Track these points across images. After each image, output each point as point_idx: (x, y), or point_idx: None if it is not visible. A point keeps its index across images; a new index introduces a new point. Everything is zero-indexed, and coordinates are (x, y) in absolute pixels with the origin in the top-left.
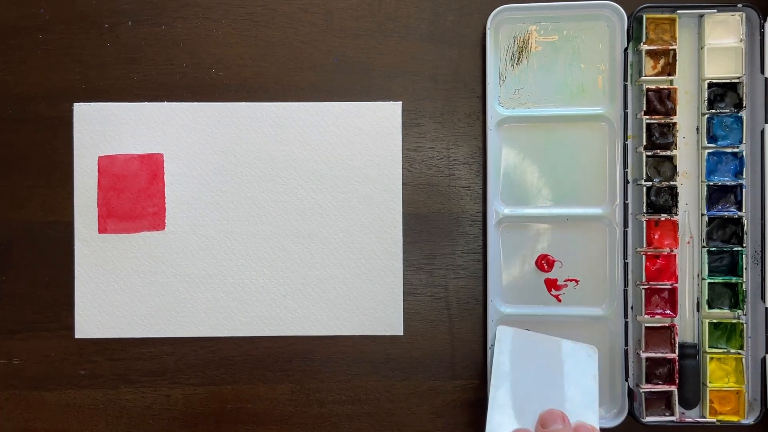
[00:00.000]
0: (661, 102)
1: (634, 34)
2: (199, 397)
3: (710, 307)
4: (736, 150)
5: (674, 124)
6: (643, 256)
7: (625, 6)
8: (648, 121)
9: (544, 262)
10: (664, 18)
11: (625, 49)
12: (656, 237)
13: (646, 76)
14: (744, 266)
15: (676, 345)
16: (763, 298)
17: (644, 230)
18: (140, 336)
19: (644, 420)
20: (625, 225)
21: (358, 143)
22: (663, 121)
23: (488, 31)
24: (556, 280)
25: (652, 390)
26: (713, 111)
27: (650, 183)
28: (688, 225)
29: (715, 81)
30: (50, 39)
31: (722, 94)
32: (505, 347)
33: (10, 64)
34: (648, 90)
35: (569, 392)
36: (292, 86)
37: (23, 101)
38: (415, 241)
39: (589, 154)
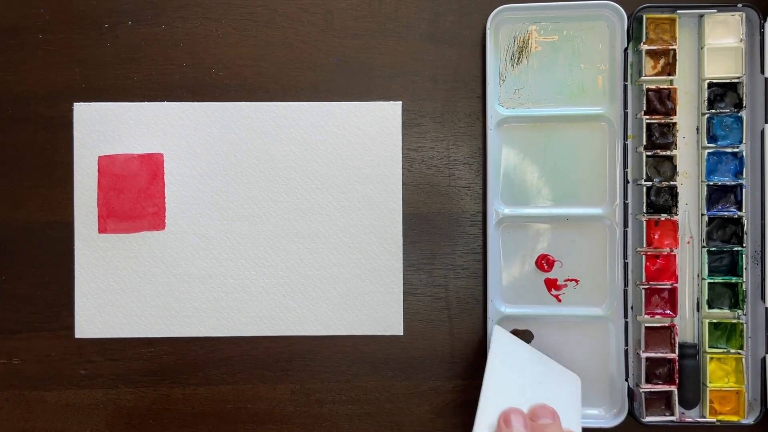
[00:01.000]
0: (661, 102)
1: (634, 34)
2: (199, 397)
3: (710, 307)
4: (736, 150)
5: (674, 124)
6: (643, 256)
7: (625, 6)
8: (648, 121)
9: (544, 262)
10: (664, 18)
11: (625, 49)
12: (656, 237)
13: (646, 76)
14: (744, 266)
15: (676, 345)
16: (763, 298)
17: (644, 230)
18: (140, 336)
19: (644, 420)
20: (625, 225)
21: (358, 143)
22: (663, 121)
23: (488, 31)
24: (556, 280)
25: (652, 390)
26: (713, 111)
27: (650, 183)
28: (688, 225)
29: (715, 81)
30: (50, 39)
31: (722, 94)
32: (498, 349)
33: (10, 64)
34: (648, 90)
35: (556, 408)
36: (292, 86)
37: (23, 101)
38: (415, 241)
39: (589, 154)
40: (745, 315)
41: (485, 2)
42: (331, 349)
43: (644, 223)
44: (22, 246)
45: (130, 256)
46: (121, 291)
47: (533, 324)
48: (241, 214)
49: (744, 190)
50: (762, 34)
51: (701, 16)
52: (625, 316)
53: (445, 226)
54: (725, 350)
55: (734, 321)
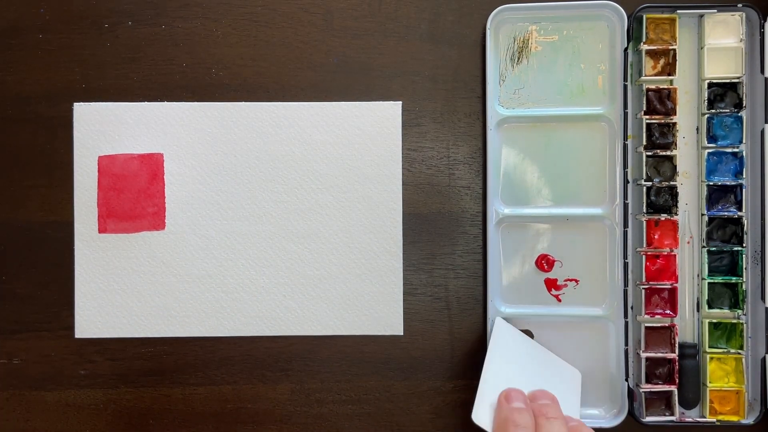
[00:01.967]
0: (661, 102)
1: (634, 34)
2: (199, 397)
3: (710, 307)
4: (736, 150)
5: (674, 124)
6: (643, 256)
7: (625, 6)
8: (648, 121)
9: (544, 262)
10: (664, 18)
11: (625, 49)
12: (656, 237)
13: (646, 76)
14: (744, 266)
15: (676, 345)
16: (763, 298)
17: (644, 230)
18: (140, 336)
19: (644, 420)
20: (625, 225)
21: (358, 143)
22: (663, 121)
23: (488, 31)
24: (556, 280)
25: (652, 390)
26: (713, 111)
27: (650, 183)
28: (688, 225)
29: (715, 81)
30: (50, 39)
31: (722, 94)
32: (500, 339)
33: (10, 64)
34: (648, 90)
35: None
36: (292, 86)
37: (23, 101)
38: (415, 241)
39: (589, 154)
40: (745, 315)
41: (485, 2)
42: (331, 349)
43: (644, 223)
44: (22, 246)
45: (130, 256)
46: (121, 291)
47: (533, 324)
48: (241, 214)
49: (744, 190)
50: (762, 34)
51: (701, 16)
52: (625, 316)
53: (445, 226)
54: (725, 350)
55: (734, 321)
